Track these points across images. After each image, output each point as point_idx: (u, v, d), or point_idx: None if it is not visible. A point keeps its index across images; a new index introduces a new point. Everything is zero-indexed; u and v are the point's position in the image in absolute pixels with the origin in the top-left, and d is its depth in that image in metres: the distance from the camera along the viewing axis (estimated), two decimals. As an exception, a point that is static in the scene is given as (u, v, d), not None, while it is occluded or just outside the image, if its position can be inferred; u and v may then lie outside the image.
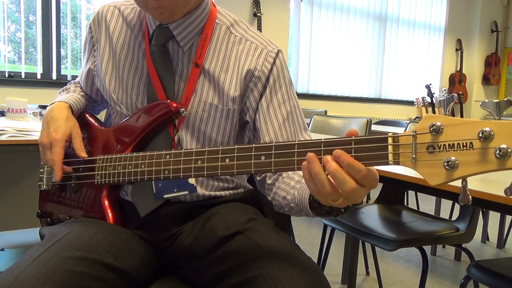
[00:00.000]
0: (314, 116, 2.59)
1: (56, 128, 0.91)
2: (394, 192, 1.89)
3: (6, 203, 2.17)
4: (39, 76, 3.26)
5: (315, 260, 1.92)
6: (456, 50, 6.01)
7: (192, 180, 0.86)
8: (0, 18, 3.11)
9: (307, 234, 2.89)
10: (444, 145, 0.53)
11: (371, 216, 1.73)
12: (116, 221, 0.90)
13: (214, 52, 0.92)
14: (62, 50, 3.35)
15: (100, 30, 0.99)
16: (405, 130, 1.54)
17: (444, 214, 3.05)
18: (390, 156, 0.57)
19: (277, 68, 0.92)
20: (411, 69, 5.59)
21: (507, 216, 2.86)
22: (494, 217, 3.11)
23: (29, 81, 3.19)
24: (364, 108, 5.17)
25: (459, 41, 5.97)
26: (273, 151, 0.66)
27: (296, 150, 0.64)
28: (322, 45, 4.74)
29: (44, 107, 2.08)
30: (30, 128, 1.52)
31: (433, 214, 2.09)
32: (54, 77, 3.32)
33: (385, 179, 1.11)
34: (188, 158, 0.75)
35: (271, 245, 0.78)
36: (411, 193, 3.47)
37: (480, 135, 0.51)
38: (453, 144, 0.53)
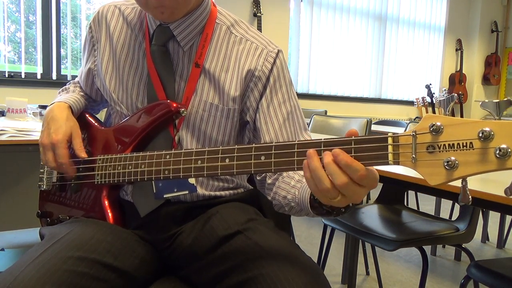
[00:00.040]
0: (314, 116, 2.59)
1: (57, 129, 0.91)
2: (394, 192, 1.89)
3: (6, 203, 2.17)
4: (39, 76, 3.26)
5: (315, 260, 1.92)
6: (456, 50, 6.01)
7: (192, 180, 0.86)
8: (0, 18, 3.11)
9: (307, 234, 2.89)
10: (444, 145, 0.53)
11: (371, 216, 1.73)
12: (116, 221, 0.90)
13: (215, 52, 0.92)
14: (62, 50, 3.35)
15: (100, 29, 0.99)
16: (405, 130, 1.54)
17: (444, 214, 3.05)
18: (390, 156, 0.57)
19: (277, 68, 0.92)
20: (411, 69, 5.60)
21: (507, 216, 2.86)
22: (494, 217, 3.11)
23: (29, 81, 3.19)
24: (364, 108, 5.17)
25: (459, 41, 5.98)
26: (273, 151, 0.66)
27: (296, 150, 0.64)
28: (322, 45, 4.74)
29: (44, 107, 2.08)
30: (30, 128, 1.52)
31: (433, 214, 2.09)
32: (54, 77, 3.32)
33: (385, 179, 1.11)
34: (188, 158, 0.75)
35: (271, 245, 0.78)
36: (411, 193, 3.47)
37: (480, 135, 0.51)
38: (453, 144, 0.53)
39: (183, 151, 0.76)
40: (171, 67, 0.91)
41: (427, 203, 3.37)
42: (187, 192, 0.87)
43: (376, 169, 0.61)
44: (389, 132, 0.59)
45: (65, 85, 1.10)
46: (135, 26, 0.96)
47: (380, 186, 1.83)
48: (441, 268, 2.46)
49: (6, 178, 2.16)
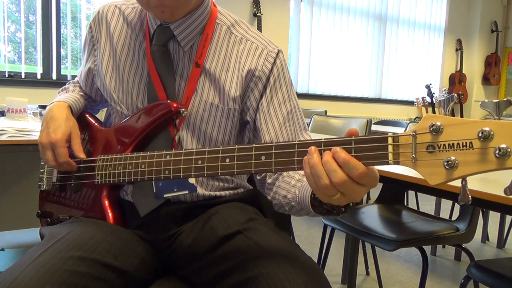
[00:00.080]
0: (314, 116, 2.59)
1: (56, 128, 0.91)
2: (394, 192, 1.89)
3: (6, 203, 2.17)
4: (39, 76, 3.26)
5: (315, 260, 1.91)
6: (456, 50, 6.01)
7: (192, 180, 0.86)
8: (0, 18, 3.11)
9: (307, 234, 2.89)
10: (444, 144, 0.54)
11: (371, 216, 1.73)
12: (116, 221, 0.90)
13: (215, 52, 0.92)
14: (62, 50, 3.35)
15: (100, 29, 0.99)
16: (405, 130, 1.54)
17: (444, 214, 3.05)
18: (390, 156, 0.57)
19: (278, 68, 0.92)
20: (411, 69, 5.60)
21: (507, 216, 2.86)
22: (494, 217, 3.11)
23: (29, 81, 3.20)
24: (364, 108, 5.17)
25: (459, 41, 5.98)
26: (273, 151, 0.66)
27: (296, 149, 0.64)
28: (322, 45, 4.74)
29: (44, 107, 2.08)
30: (30, 128, 1.52)
31: (433, 214, 2.09)
32: (54, 77, 3.32)
33: (385, 179, 1.11)
34: (188, 158, 0.75)
35: (271, 245, 0.78)
36: (411, 193, 3.47)
37: (480, 134, 0.51)
38: (453, 144, 0.53)
39: (183, 151, 0.76)
40: (171, 67, 0.91)
41: (427, 203, 3.37)
42: (187, 192, 0.87)
43: (376, 169, 0.61)
44: (389, 132, 0.59)
45: (65, 85, 1.10)
46: (135, 26, 0.96)
47: (380, 186, 1.83)
48: (441, 268, 2.46)
49: (6, 178, 2.16)
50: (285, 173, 0.87)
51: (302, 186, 0.79)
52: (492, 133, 0.50)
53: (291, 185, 0.83)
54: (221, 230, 0.83)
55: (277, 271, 0.71)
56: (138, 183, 0.89)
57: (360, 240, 2.03)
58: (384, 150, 0.58)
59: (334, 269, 2.32)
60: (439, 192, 1.07)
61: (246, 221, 0.85)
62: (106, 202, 0.91)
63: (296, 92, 1.17)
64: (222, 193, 0.95)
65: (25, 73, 3.18)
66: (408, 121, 3.33)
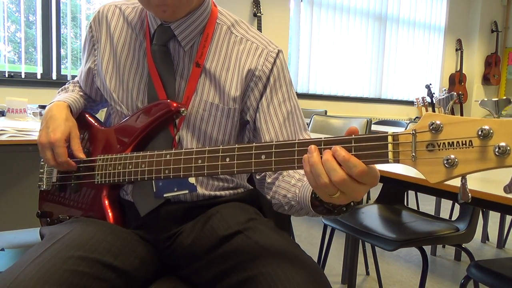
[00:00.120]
0: (314, 116, 2.59)
1: (55, 128, 0.91)
2: (394, 192, 1.89)
3: (6, 203, 2.17)
4: (39, 76, 3.26)
5: (315, 260, 1.92)
6: (456, 50, 6.01)
7: (192, 180, 0.86)
8: (0, 18, 3.11)
9: (307, 234, 2.89)
10: (444, 143, 0.54)
11: (371, 216, 1.73)
12: (116, 220, 0.90)
13: (215, 52, 0.92)
14: (62, 50, 3.35)
15: (100, 29, 0.99)
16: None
17: (444, 214, 3.05)
18: (390, 155, 0.57)
19: (278, 68, 0.92)
20: (411, 69, 5.60)
21: (507, 216, 2.86)
22: (494, 217, 3.11)
23: (29, 81, 3.20)
24: (364, 108, 5.17)
25: (459, 41, 5.98)
26: (273, 150, 0.66)
27: (296, 148, 0.64)
28: (322, 45, 4.74)
29: (44, 107, 2.07)
30: (30, 128, 1.52)
31: (433, 214, 2.09)
32: (54, 77, 3.33)
33: (385, 179, 1.11)
34: (188, 157, 0.75)
35: (271, 244, 0.78)
36: (411, 193, 3.47)
37: (480, 133, 0.51)
38: (453, 142, 0.53)
39: (183, 150, 0.76)
40: (171, 67, 0.91)
41: (427, 203, 3.37)
42: (187, 191, 0.87)
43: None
44: (389, 132, 0.59)
45: (65, 84, 1.10)
46: (135, 26, 0.96)
47: (380, 186, 1.83)
48: (441, 268, 2.46)
49: (6, 178, 2.16)
50: (285, 173, 0.87)
51: (302, 186, 0.79)
52: (491, 131, 0.50)
53: (291, 184, 0.83)
54: (221, 230, 0.83)
55: (277, 270, 0.71)
56: (138, 183, 0.89)
57: (360, 240, 2.03)
58: (384, 149, 0.58)
59: (334, 269, 2.32)
60: (439, 192, 1.07)
61: (246, 221, 0.85)
62: (106, 202, 0.91)
63: (296, 92, 1.17)
64: (222, 192, 0.95)
65: (25, 73, 3.18)
66: (408, 121, 3.33)
